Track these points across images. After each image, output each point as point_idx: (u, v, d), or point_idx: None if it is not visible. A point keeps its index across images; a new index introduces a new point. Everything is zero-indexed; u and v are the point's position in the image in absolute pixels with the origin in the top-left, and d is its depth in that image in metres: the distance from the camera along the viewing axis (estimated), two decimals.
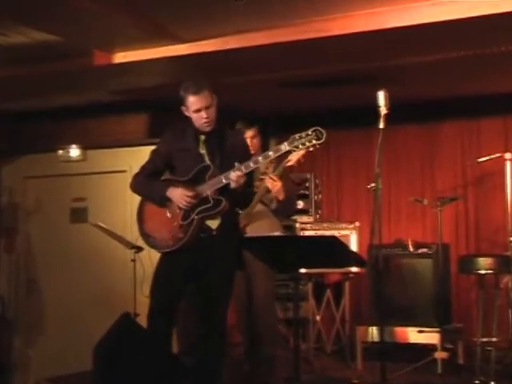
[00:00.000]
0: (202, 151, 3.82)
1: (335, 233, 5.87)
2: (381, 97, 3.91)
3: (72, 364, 5.89)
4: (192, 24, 4.52)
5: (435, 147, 6.74)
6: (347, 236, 5.94)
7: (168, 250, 3.81)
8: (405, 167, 6.80)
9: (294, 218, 6.12)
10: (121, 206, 6.59)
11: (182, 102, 3.79)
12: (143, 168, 4.00)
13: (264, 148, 4.57)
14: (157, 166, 3.96)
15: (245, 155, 3.82)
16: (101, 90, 5.91)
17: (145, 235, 3.93)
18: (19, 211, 7.33)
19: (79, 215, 7.13)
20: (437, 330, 5.24)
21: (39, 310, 7.18)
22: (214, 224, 3.80)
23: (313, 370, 5.50)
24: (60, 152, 7.08)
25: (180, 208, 3.78)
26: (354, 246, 5.89)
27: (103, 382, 3.56)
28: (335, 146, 6.90)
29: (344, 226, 6.08)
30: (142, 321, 3.96)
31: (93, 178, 7.07)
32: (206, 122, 3.77)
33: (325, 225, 6.17)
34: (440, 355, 5.14)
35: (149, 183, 3.92)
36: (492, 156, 5.50)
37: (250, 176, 3.91)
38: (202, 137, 3.84)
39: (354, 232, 6.00)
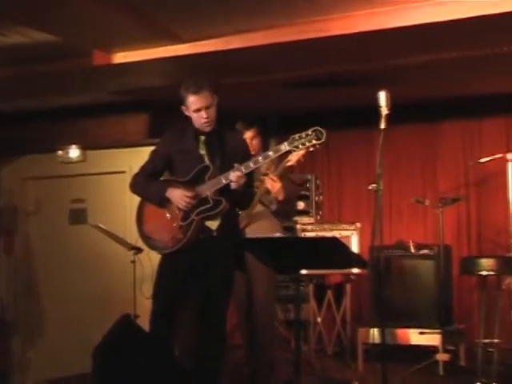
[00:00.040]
0: (202, 152, 3.82)
1: (336, 234, 5.85)
2: (382, 97, 3.88)
3: (71, 366, 5.88)
4: (192, 24, 4.51)
5: (437, 148, 6.73)
6: (348, 237, 5.93)
7: (167, 251, 3.80)
8: (406, 168, 6.79)
9: (295, 219, 6.10)
10: (120, 207, 6.57)
11: (182, 101, 3.79)
12: (143, 168, 3.99)
13: (265, 148, 4.55)
14: (156, 167, 3.94)
15: (245, 156, 3.81)
16: (100, 91, 5.89)
17: (144, 236, 3.92)
18: (18, 212, 7.30)
19: (78, 216, 7.11)
20: (438, 331, 5.23)
21: (38, 311, 7.16)
22: (213, 225, 3.78)
23: (314, 372, 5.49)
24: (59, 153, 7.05)
25: (179, 209, 3.77)
26: (354, 248, 5.88)
27: None
28: (336, 146, 6.89)
29: (345, 227, 6.07)
30: (142, 322, 3.94)
31: (92, 178, 7.05)
32: (205, 122, 3.76)
33: (326, 226, 6.16)
34: (441, 357, 5.14)
35: (148, 184, 3.91)
36: (494, 156, 5.49)
37: (251, 177, 3.89)
38: (202, 137, 3.83)
39: (354, 233, 5.99)
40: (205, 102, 3.72)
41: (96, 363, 3.52)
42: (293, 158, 4.36)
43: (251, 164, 3.68)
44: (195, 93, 3.71)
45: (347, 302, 6.13)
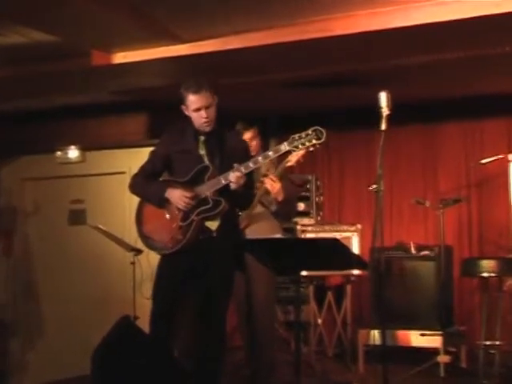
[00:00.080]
0: (202, 152, 3.81)
1: (336, 235, 5.82)
2: (383, 98, 3.86)
3: (71, 367, 5.88)
4: (192, 24, 4.50)
5: (438, 148, 6.70)
6: (349, 238, 5.91)
7: (167, 251, 3.79)
8: (407, 169, 6.76)
9: (295, 220, 6.08)
10: (120, 208, 6.56)
11: (182, 100, 3.78)
12: (142, 169, 3.98)
13: (265, 149, 4.52)
14: (156, 167, 3.93)
15: (244, 156, 3.80)
16: (100, 91, 5.88)
17: (144, 237, 3.90)
18: (17, 213, 7.29)
19: (78, 217, 7.10)
20: (439, 333, 5.21)
21: (37, 312, 7.15)
22: (213, 225, 3.77)
23: (314, 374, 5.48)
24: (58, 153, 7.04)
25: (179, 209, 3.75)
26: (355, 249, 5.87)
27: None
28: (336, 147, 6.88)
29: (345, 228, 6.06)
30: (142, 324, 3.93)
31: (91, 179, 7.04)
32: (205, 122, 3.74)
33: (326, 227, 6.15)
34: (442, 359, 5.12)
35: (147, 184, 3.90)
36: (495, 157, 5.47)
37: (251, 177, 3.88)
38: (202, 137, 3.82)
39: (355, 234, 5.98)
40: (205, 101, 3.71)
41: (95, 365, 3.51)
42: (292, 159, 4.35)
43: (251, 164, 3.67)
44: (195, 92, 3.70)
45: (348, 303, 6.11)
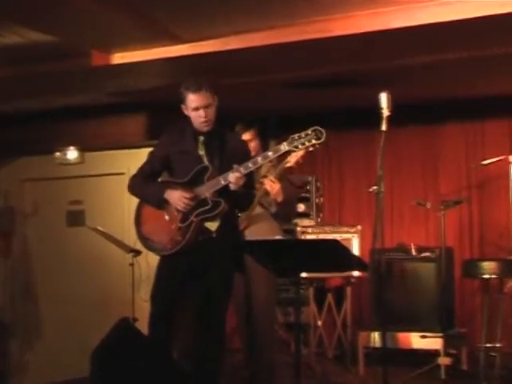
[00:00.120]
0: (201, 152, 3.79)
1: (337, 236, 5.80)
2: (383, 99, 3.85)
3: (69, 368, 5.88)
4: (191, 24, 4.49)
5: (438, 149, 6.69)
6: (349, 240, 5.89)
7: (166, 253, 3.78)
8: (408, 170, 6.74)
9: (295, 221, 6.06)
10: (119, 209, 6.55)
11: (182, 100, 3.76)
12: (141, 170, 3.96)
13: (264, 150, 4.50)
14: (155, 168, 3.91)
15: (244, 157, 3.78)
16: (99, 91, 5.88)
17: (143, 238, 3.89)
18: (16, 214, 7.30)
19: (76, 218, 7.09)
20: (440, 335, 5.19)
21: (36, 313, 7.15)
22: (213, 226, 3.75)
23: (314, 376, 5.47)
24: (57, 154, 7.04)
25: (178, 210, 3.73)
26: (355, 250, 5.84)
27: None
28: (337, 147, 6.87)
29: (346, 229, 6.04)
30: (141, 325, 3.91)
31: (90, 180, 7.04)
32: (204, 122, 3.73)
33: (326, 228, 6.13)
34: (443, 361, 5.09)
35: (146, 185, 3.89)
36: (496, 158, 5.45)
37: (251, 178, 3.86)
38: (201, 138, 3.80)
39: (355, 236, 5.96)
40: (204, 101, 3.69)
41: (94, 367, 3.51)
42: (291, 159, 4.34)
43: (250, 165, 3.65)
44: (195, 91, 3.68)
45: (348, 305, 6.09)
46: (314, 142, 3.57)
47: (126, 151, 6.69)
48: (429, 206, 5.57)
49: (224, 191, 3.69)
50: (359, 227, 6.00)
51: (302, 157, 4.29)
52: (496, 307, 5.24)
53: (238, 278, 4.09)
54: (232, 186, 3.64)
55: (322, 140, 3.57)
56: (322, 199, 6.64)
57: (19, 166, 7.27)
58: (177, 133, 3.87)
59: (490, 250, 6.30)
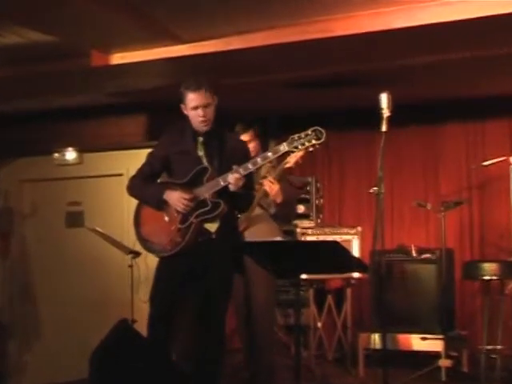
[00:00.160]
0: (200, 153, 3.78)
1: (337, 238, 5.80)
2: (383, 99, 3.84)
3: (68, 370, 5.87)
4: (192, 24, 4.48)
5: (439, 150, 6.67)
6: (349, 241, 5.89)
7: (166, 254, 3.76)
8: (408, 171, 6.73)
9: (295, 222, 6.04)
10: (118, 211, 6.54)
11: (181, 99, 3.75)
12: (140, 170, 3.94)
13: (264, 150, 4.49)
14: (154, 169, 3.90)
15: (244, 157, 3.76)
16: (99, 92, 5.87)
17: (142, 239, 3.88)
18: (14, 214, 7.29)
19: (75, 219, 7.07)
20: (440, 337, 5.18)
21: (35, 315, 7.14)
22: (212, 227, 3.73)
23: (314, 378, 5.45)
24: (56, 155, 7.04)
25: (178, 211, 3.71)
26: (355, 252, 5.83)
27: None
28: (337, 148, 6.85)
29: (346, 230, 6.02)
30: (140, 327, 3.89)
31: (89, 181, 7.03)
32: (202, 121, 3.71)
33: (326, 230, 6.11)
34: (444, 363, 5.09)
35: (145, 186, 3.87)
36: (497, 159, 5.44)
37: (251, 179, 3.85)
38: (201, 138, 3.79)
39: (355, 237, 5.95)
40: (203, 100, 3.68)
41: (93, 368, 3.50)
42: (291, 160, 4.33)
43: (250, 165, 3.64)
44: (194, 90, 3.67)
45: (348, 306, 6.08)
46: (313, 142, 3.56)
47: (125, 152, 6.68)
48: (429, 207, 5.55)
49: (223, 192, 3.67)
50: (359, 228, 5.99)
51: (302, 157, 4.28)
52: (497, 309, 5.23)
53: (238, 280, 4.08)
54: (231, 187, 3.63)
55: (322, 140, 3.56)
56: (321, 200, 6.62)
57: (18, 166, 7.26)
58: (176, 133, 3.86)
59: (490, 251, 6.29)
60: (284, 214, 4.57)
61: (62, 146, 6.94)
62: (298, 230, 6.07)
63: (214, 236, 3.73)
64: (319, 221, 6.47)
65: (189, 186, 3.71)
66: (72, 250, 6.94)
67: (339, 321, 6.09)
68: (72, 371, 5.45)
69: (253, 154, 4.29)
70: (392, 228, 6.57)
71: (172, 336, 3.82)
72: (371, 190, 3.91)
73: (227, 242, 3.75)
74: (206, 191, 3.68)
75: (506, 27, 4.22)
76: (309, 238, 5.99)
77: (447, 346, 5.14)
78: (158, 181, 3.92)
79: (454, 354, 5.38)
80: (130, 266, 5.82)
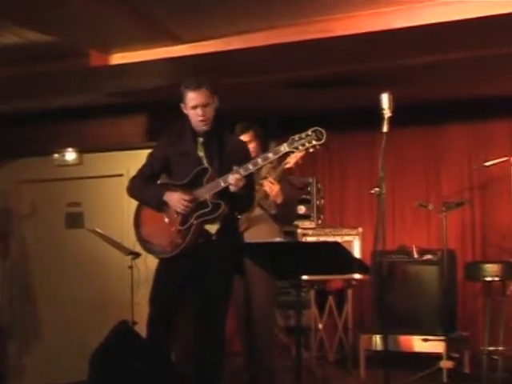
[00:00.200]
0: (201, 154, 3.76)
1: (338, 239, 5.79)
2: (384, 99, 3.82)
3: (68, 371, 5.86)
4: (192, 24, 4.47)
5: (440, 151, 6.66)
6: (350, 242, 5.88)
7: (166, 255, 3.75)
8: (409, 171, 6.71)
9: (296, 223, 6.02)
10: (118, 211, 6.52)
11: (181, 98, 3.73)
12: (140, 171, 3.93)
13: (264, 151, 4.48)
14: (154, 169, 3.88)
15: (244, 158, 3.75)
16: (98, 92, 5.86)
17: (142, 241, 3.87)
18: (14, 215, 7.28)
19: (75, 220, 7.06)
20: (442, 338, 5.19)
21: (34, 315, 7.12)
22: (213, 229, 3.71)
23: (315, 379, 5.46)
24: (55, 155, 7.03)
25: (178, 213, 3.69)
26: (357, 253, 5.83)
27: None
28: (338, 148, 6.84)
29: (347, 231, 6.02)
30: (140, 329, 3.88)
31: (89, 182, 7.01)
32: (202, 121, 3.70)
33: (327, 230, 6.11)
34: (445, 364, 5.09)
35: (145, 187, 3.85)
36: (499, 160, 5.43)
37: (251, 179, 3.83)
38: (201, 139, 3.78)
39: (357, 238, 5.95)
40: (203, 99, 3.66)
41: (93, 369, 3.49)
42: (291, 161, 4.33)
43: (250, 166, 3.62)
44: (194, 89, 3.67)
45: (349, 308, 6.07)
46: (314, 142, 3.56)
47: (125, 152, 6.66)
48: (431, 207, 5.55)
49: (224, 193, 3.66)
50: (360, 229, 5.98)
51: (302, 158, 4.28)
52: (498, 310, 5.23)
53: (238, 281, 4.06)
54: (232, 188, 3.61)
55: (323, 141, 3.56)
56: (322, 201, 6.60)
57: (17, 167, 7.25)
58: (176, 134, 3.85)
59: (492, 252, 6.28)
60: (284, 215, 4.55)
61: (61, 147, 6.93)
62: (299, 230, 6.06)
63: (214, 237, 3.72)
64: (320, 221, 6.45)
65: (189, 187, 3.69)
66: (72, 251, 6.92)
67: (340, 322, 6.08)
68: (72, 372, 5.43)
69: (253, 155, 4.27)
70: (393, 229, 6.55)
71: (172, 337, 3.82)
72: (372, 191, 3.90)
73: (228, 244, 3.73)
74: (206, 192, 3.67)
75: (506, 27, 4.21)
76: (309, 239, 5.98)
77: (449, 348, 5.13)
78: (158, 182, 3.91)
79: (456, 355, 5.38)
80: (130, 267, 5.81)
